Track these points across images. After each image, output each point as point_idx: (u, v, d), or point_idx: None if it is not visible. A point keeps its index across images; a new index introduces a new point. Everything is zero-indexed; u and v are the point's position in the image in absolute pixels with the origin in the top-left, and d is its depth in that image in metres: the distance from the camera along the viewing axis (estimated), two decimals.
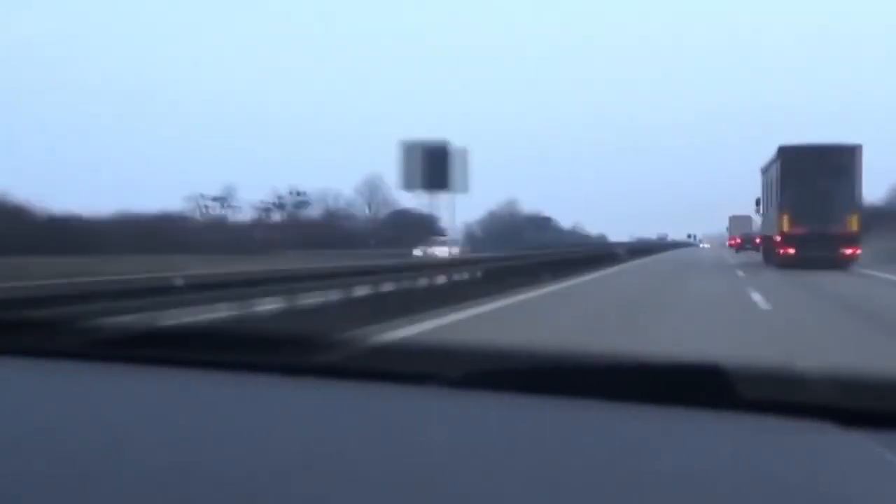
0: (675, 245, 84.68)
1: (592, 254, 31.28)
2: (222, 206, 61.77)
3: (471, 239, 76.27)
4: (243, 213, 62.41)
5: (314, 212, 65.99)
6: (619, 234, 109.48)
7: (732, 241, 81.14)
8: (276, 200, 65.48)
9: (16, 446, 0.84)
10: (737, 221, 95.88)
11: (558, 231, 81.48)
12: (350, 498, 0.72)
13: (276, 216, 64.16)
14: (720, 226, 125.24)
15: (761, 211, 34.76)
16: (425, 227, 48.24)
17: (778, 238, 26.62)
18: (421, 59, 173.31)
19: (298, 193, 66.35)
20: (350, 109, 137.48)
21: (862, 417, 0.92)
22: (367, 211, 67.27)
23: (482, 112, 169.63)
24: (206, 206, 61.15)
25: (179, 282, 8.06)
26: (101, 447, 0.86)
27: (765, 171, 32.05)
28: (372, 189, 67.49)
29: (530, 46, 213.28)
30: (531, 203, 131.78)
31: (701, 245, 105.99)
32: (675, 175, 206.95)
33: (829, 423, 0.91)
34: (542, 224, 71.23)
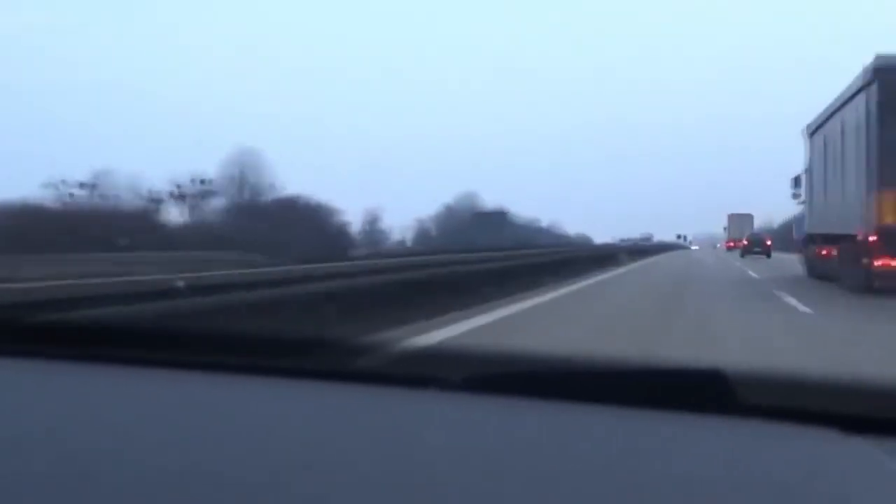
0: (665, 247, 72.07)
1: (527, 263, 18.45)
2: (92, 194, 48.65)
3: (424, 237, 63.70)
4: (125, 204, 49.54)
5: (220, 202, 53.27)
6: (603, 234, 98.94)
7: (732, 243, 69.61)
8: (175, 190, 52.63)
9: (16, 447, 0.84)
10: (737, 220, 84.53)
11: (528, 229, 68.67)
12: (349, 501, 0.72)
13: (174, 207, 51.49)
14: (709, 227, 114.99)
15: (805, 196, 21.79)
16: (317, 222, 36.17)
17: (871, 238, 13.74)
18: (420, 56, 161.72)
19: (202, 182, 53.37)
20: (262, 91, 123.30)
21: (864, 424, 0.92)
22: (236, 198, 53.35)
23: (468, 109, 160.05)
24: (71, 194, 48.08)
25: None
26: (103, 448, 0.85)
27: (819, 126, 18.95)
28: (243, 169, 53.11)
29: (523, 47, 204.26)
30: (522, 203, 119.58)
31: (692, 247, 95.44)
32: (664, 175, 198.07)
33: (832, 430, 0.91)
34: (496, 220, 57.78)
